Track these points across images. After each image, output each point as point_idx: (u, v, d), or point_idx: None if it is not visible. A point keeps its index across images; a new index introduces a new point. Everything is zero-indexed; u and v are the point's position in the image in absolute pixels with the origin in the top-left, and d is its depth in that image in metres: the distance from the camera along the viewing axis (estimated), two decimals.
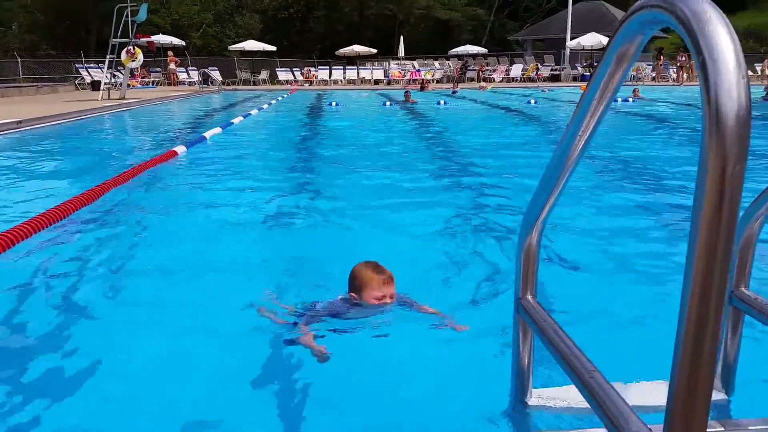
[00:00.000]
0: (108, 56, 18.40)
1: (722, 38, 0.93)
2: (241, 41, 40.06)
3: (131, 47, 18.24)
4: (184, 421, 2.10)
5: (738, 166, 0.92)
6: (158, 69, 33.15)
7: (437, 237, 4.36)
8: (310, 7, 49.70)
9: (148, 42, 20.05)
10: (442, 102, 19.02)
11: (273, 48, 38.45)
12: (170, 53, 32.37)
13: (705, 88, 0.92)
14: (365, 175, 6.82)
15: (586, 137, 1.44)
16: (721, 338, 1.96)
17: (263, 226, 4.74)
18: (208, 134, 9.84)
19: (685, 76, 32.72)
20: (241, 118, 13.30)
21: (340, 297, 2.96)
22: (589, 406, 1.38)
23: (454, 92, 24.80)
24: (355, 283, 2.82)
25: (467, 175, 6.88)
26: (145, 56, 22.40)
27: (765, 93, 19.63)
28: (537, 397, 1.93)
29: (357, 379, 2.39)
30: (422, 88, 27.82)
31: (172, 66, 31.77)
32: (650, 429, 1.20)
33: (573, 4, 37.10)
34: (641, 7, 1.11)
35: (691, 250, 0.97)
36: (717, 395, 1.99)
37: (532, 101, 18.52)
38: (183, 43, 36.23)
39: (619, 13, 45.57)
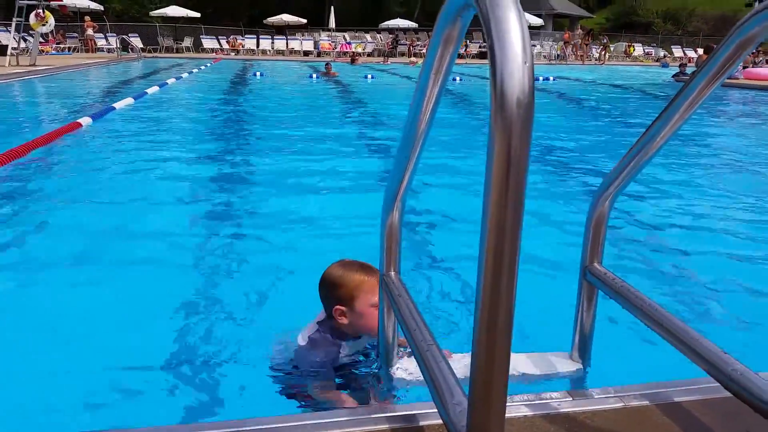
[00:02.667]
0: (15, 19, 17.28)
1: (511, 25, 0.95)
2: (164, 7, 38.47)
3: (41, 10, 17.16)
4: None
5: (522, 147, 0.95)
6: (75, 35, 31.45)
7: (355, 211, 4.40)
8: None
9: (59, 5, 18.96)
10: (369, 76, 18.93)
11: (197, 14, 37.12)
12: (87, 18, 30.78)
13: (492, 72, 0.94)
14: (279, 149, 6.74)
15: (427, 118, 1.47)
16: (576, 312, 2.06)
17: (169, 209, 4.50)
18: (118, 105, 9.43)
19: (606, 55, 33.85)
20: (157, 87, 12.80)
21: (314, 324, 2.20)
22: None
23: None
24: (341, 292, 2.10)
25: (379, 151, 6.92)
26: (58, 21, 21.23)
27: (677, 72, 20.58)
28: (400, 368, 1.98)
29: None
30: (353, 61, 27.60)
31: (89, 32, 30.25)
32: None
33: None
34: None
35: (483, 228, 1.00)
36: (573, 365, 2.09)
37: (458, 79, 18.69)
38: (101, 7, 34.44)
39: None
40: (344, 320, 2.11)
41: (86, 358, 2.39)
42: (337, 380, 2.12)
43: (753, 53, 26.97)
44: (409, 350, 1.81)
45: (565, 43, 34.23)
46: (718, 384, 1.48)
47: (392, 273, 1.87)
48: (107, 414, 2.13)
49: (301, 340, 2.17)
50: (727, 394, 1.45)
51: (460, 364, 2.03)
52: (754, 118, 11.65)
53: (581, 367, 2.09)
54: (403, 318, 1.63)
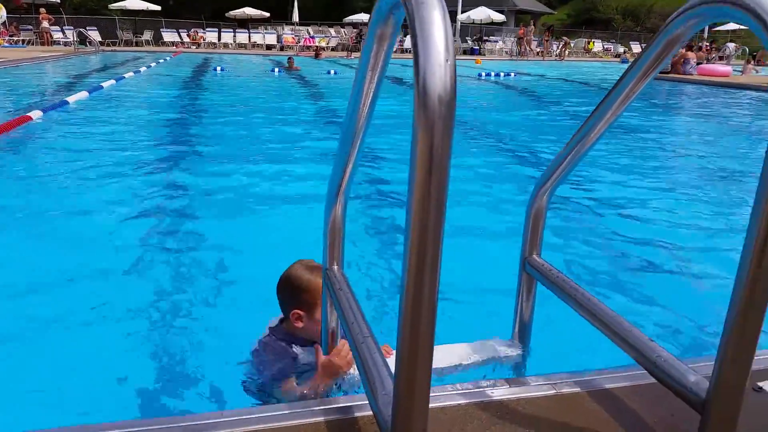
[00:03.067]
0: None
1: (434, 24, 0.98)
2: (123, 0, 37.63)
3: None
4: None
5: (444, 144, 0.98)
6: (29, 27, 30.53)
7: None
8: None
9: None
10: (332, 71, 18.87)
11: (157, 7, 36.42)
12: (42, 10, 29.85)
13: (415, 70, 0.97)
14: (235, 147, 6.67)
15: (366, 113, 1.50)
16: (516, 301, 2.12)
17: (119, 207, 4.38)
18: (72, 98, 9.21)
19: (566, 52, 34.36)
20: (113, 81, 12.55)
21: (267, 329, 2.17)
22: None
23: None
24: (304, 297, 2.04)
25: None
26: (11, 12, 20.59)
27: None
28: None
29: None
30: (316, 56, 27.44)
31: (45, 24, 29.34)
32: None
33: None
34: None
35: (407, 225, 1.03)
36: (513, 352, 2.15)
37: None
38: (57, 0, 33.58)
39: None
40: (299, 324, 2.07)
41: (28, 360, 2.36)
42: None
43: (707, 50, 27.72)
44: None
45: (519, 39, 34.45)
46: (646, 371, 1.55)
47: (335, 267, 1.89)
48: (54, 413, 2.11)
49: (256, 344, 2.14)
50: (654, 380, 1.52)
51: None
52: (705, 113, 11.99)
53: (521, 353, 2.15)
54: (343, 312, 1.65)
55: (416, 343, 1.09)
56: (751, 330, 1.25)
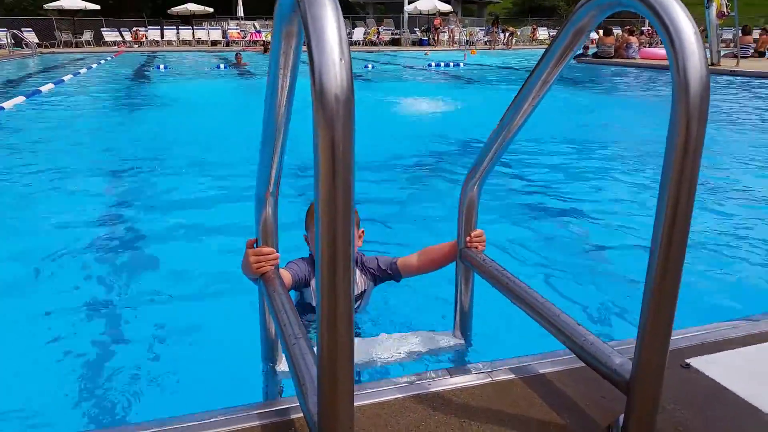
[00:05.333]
0: None
1: (327, 23, 0.97)
2: None
3: None
4: None
5: (346, 142, 0.97)
6: None
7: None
8: None
9: None
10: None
11: (96, 6, 35.33)
12: None
13: (311, 70, 0.96)
14: (183, 154, 6.49)
15: (283, 111, 1.47)
16: (455, 292, 2.13)
17: (57, 217, 4.21)
18: (7, 104, 8.87)
19: (513, 40, 34.77)
20: (52, 85, 12.13)
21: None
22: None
23: None
24: (307, 220, 2.32)
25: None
26: None
27: (579, 54, 21.41)
28: (282, 363, 1.98)
29: None
30: (265, 50, 27.09)
31: None
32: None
33: None
34: None
35: (317, 223, 1.02)
36: (454, 342, 2.17)
37: (369, 66, 18.74)
38: None
39: None
40: (310, 247, 2.32)
41: None
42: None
43: (648, 34, 28.42)
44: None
45: (435, 29, 34.37)
46: (575, 355, 1.57)
47: (270, 269, 1.87)
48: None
49: None
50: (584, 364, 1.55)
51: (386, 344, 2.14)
52: (647, 95, 12.31)
53: (462, 342, 2.17)
54: (276, 313, 1.63)
55: (335, 340, 1.08)
56: (665, 310, 1.28)
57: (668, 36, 1.17)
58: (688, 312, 2.45)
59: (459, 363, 2.10)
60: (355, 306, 2.41)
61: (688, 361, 1.77)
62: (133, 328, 2.70)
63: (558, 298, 2.78)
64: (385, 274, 2.44)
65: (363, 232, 2.43)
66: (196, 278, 3.21)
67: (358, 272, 2.42)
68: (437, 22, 34.22)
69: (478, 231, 2.03)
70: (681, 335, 1.90)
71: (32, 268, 3.31)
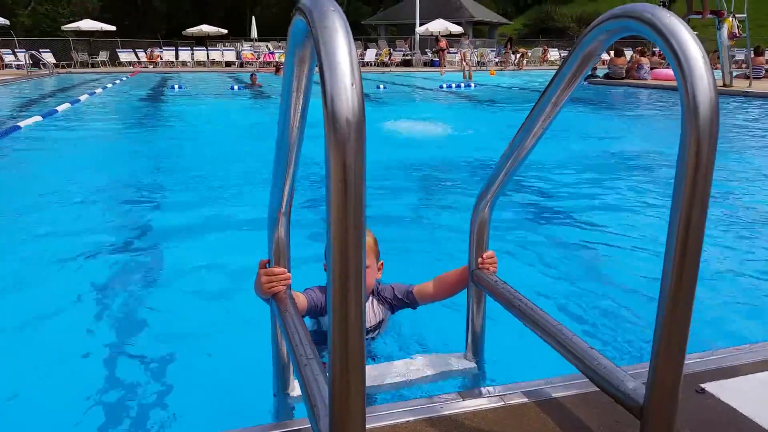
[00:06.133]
0: None
1: (339, 48, 0.98)
2: (77, 20, 37.05)
3: None
4: None
5: (357, 166, 0.98)
6: None
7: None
8: None
9: None
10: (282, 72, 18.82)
11: (112, 27, 35.93)
12: None
13: (323, 94, 0.97)
14: (197, 173, 6.53)
15: (296, 134, 1.49)
16: (467, 313, 2.12)
17: (75, 237, 4.20)
18: (24, 123, 9.00)
19: (524, 61, 34.90)
20: (68, 104, 12.30)
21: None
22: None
23: None
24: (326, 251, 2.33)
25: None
26: None
27: (589, 75, 21.45)
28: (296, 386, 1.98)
29: None
30: (277, 71, 27.35)
31: None
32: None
33: None
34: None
35: (327, 247, 1.03)
36: (467, 365, 2.15)
37: (381, 87, 18.87)
38: (7, 22, 32.86)
39: (466, 1, 47.56)
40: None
41: None
42: None
43: (661, 55, 28.41)
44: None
45: (440, 50, 34.38)
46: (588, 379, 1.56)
47: (282, 289, 1.87)
48: None
49: None
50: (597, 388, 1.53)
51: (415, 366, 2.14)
52: (660, 115, 12.28)
53: (475, 365, 2.15)
54: (288, 334, 1.63)
55: (346, 361, 1.08)
56: (679, 333, 1.27)
57: (677, 60, 1.18)
58: (702, 335, 2.43)
59: (471, 386, 2.08)
60: (373, 335, 2.42)
61: (702, 386, 1.74)
62: (142, 348, 2.70)
63: (570, 321, 2.76)
64: (402, 303, 2.43)
65: (382, 264, 2.42)
66: (208, 297, 3.22)
67: (375, 302, 2.41)
68: (442, 43, 34.37)
69: (489, 252, 2.03)
70: (695, 359, 1.88)
71: (42, 286, 3.34)
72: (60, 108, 11.62)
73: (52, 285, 3.36)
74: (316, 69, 1.04)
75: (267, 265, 1.84)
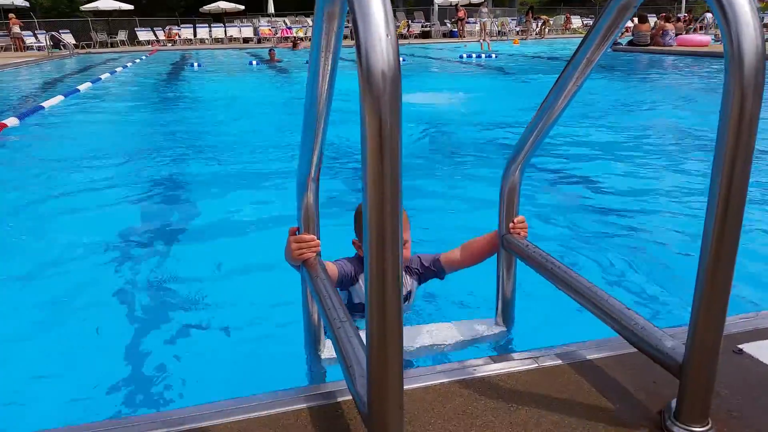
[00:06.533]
0: None
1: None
2: (95, 0, 37.10)
3: None
4: None
5: (393, 120, 0.96)
6: (1, 33, 30.07)
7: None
8: None
9: None
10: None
11: (130, 6, 35.94)
12: (12, 15, 29.40)
13: (357, 48, 0.94)
14: (215, 147, 6.55)
15: (325, 97, 1.47)
16: (497, 279, 2.11)
17: (98, 215, 4.22)
18: (47, 103, 9.08)
19: (546, 29, 34.26)
20: (89, 84, 12.38)
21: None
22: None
23: None
24: (357, 225, 2.22)
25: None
26: None
27: (613, 42, 20.98)
28: (327, 348, 1.99)
29: None
30: (294, 46, 27.20)
31: (16, 29, 28.91)
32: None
33: None
34: None
35: (363, 204, 1.01)
36: (497, 330, 2.15)
37: (401, 59, 18.65)
38: (26, 3, 33.07)
39: None
40: (360, 252, 2.24)
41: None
42: None
43: (685, 20, 27.70)
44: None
45: (459, 20, 33.87)
46: (626, 340, 1.54)
47: (312, 256, 1.87)
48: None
49: None
50: (635, 349, 1.51)
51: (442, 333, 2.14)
52: (685, 82, 12.01)
53: (504, 330, 2.15)
54: (321, 298, 1.63)
55: (383, 323, 1.08)
56: (720, 293, 1.25)
57: (720, 6, 1.13)
58: (741, 295, 2.39)
59: (503, 351, 2.08)
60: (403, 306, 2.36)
61: (740, 346, 1.72)
62: (175, 315, 2.74)
63: (605, 285, 2.73)
64: (430, 272, 2.39)
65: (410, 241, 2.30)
66: (239, 267, 3.25)
67: (404, 275, 2.30)
68: (461, 13, 33.83)
69: (520, 217, 2.01)
70: (734, 320, 1.85)
71: (68, 265, 3.38)
72: (81, 87, 11.70)
73: (78, 265, 3.39)
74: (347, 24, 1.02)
75: (297, 233, 1.83)
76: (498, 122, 7.36)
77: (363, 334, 1.57)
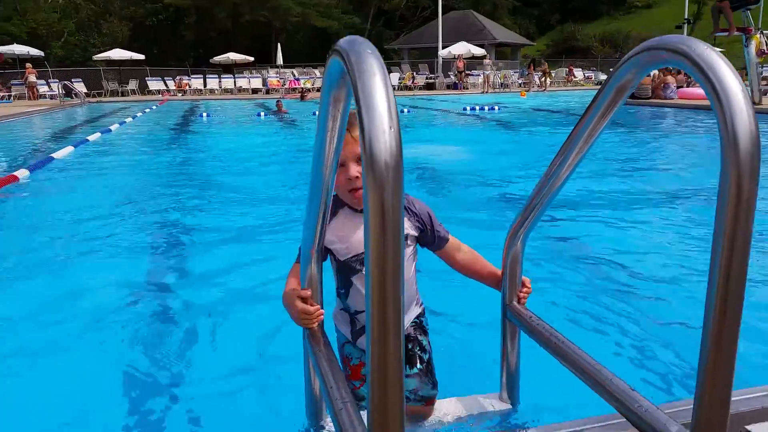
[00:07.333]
0: None
1: (377, 92, 0.99)
2: (107, 50, 38.10)
3: None
4: None
5: (395, 206, 0.97)
6: (17, 82, 30.82)
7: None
8: (180, 14, 48.15)
9: None
10: (317, 112, 19.04)
11: (141, 57, 36.85)
12: (28, 65, 30.17)
13: (361, 137, 0.97)
14: (224, 200, 6.59)
15: (328, 173, 1.49)
16: (501, 351, 2.08)
17: (110, 269, 4.20)
18: (57, 155, 9.21)
19: (548, 81, 34.83)
20: (99, 134, 12.57)
21: None
22: None
23: None
24: None
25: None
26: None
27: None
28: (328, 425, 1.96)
29: None
30: (302, 97, 27.72)
31: (32, 78, 29.64)
32: None
33: (444, 14, 38.46)
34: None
35: (366, 285, 1.02)
36: (502, 405, 2.11)
37: (405, 110, 18.98)
38: (41, 53, 33.97)
39: (488, 23, 47.84)
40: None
41: None
42: None
43: (687, 74, 28.12)
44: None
45: (459, 72, 34.52)
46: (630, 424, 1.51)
47: (315, 326, 1.86)
48: None
49: None
50: (636, 430, 1.48)
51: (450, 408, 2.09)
52: (687, 136, 12.12)
53: (510, 406, 2.11)
54: (322, 375, 1.61)
55: (385, 406, 1.06)
56: (723, 371, 1.23)
57: (715, 93, 1.15)
58: (747, 371, 2.35)
59: (507, 427, 2.04)
60: None
61: (748, 427, 1.68)
62: (171, 369, 2.71)
63: (608, 358, 2.68)
64: (431, 237, 2.00)
65: None
66: (243, 320, 3.25)
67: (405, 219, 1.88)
68: (460, 64, 34.53)
69: (526, 281, 1.99)
70: (740, 396, 1.81)
71: (75, 321, 3.36)
72: (91, 138, 11.88)
73: (84, 319, 3.38)
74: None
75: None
76: (500, 177, 7.40)
77: (364, 415, 1.55)
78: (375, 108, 0.97)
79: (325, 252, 1.94)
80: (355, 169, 1.80)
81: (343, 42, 1.10)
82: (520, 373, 2.07)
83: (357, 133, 1.49)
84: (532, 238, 1.95)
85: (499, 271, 2.02)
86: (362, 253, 1.82)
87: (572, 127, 1.60)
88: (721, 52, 1.19)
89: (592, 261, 4.24)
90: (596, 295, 3.55)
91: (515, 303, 1.99)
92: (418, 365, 2.03)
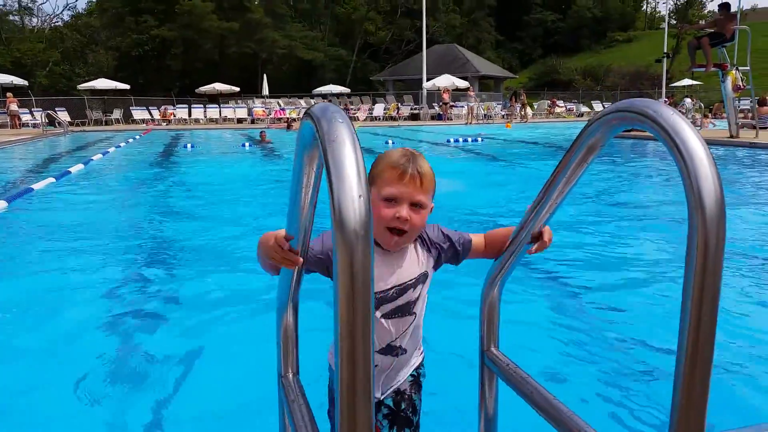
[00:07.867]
0: None
1: (346, 160, 1.01)
2: (92, 79, 38.13)
3: None
4: None
5: (364, 272, 0.98)
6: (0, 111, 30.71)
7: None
8: (166, 45, 48.45)
9: None
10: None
11: (126, 86, 36.90)
12: (9, 94, 30.11)
13: (331, 205, 0.98)
14: (212, 233, 6.59)
15: (306, 224, 1.50)
16: (479, 398, 2.07)
17: (87, 307, 4.15)
18: (37, 186, 9.14)
19: (529, 112, 35.35)
20: (81, 165, 12.49)
21: None
22: None
23: None
24: (371, 172, 1.75)
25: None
26: None
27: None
28: None
29: None
30: (288, 127, 27.88)
31: (13, 107, 29.55)
32: None
33: (428, 47, 39.06)
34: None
35: (336, 341, 1.02)
36: None
37: (390, 142, 19.12)
38: (26, 82, 33.91)
39: (471, 56, 48.69)
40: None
41: None
42: None
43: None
44: None
45: (443, 104, 34.89)
46: None
47: (290, 375, 1.84)
48: None
49: None
50: None
51: None
52: (668, 169, 12.30)
53: None
54: (296, 427, 1.60)
55: None
56: (695, 420, 1.24)
57: (681, 159, 1.18)
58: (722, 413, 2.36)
59: None
60: (411, 297, 1.90)
61: None
62: (153, 397, 2.67)
63: (586, 405, 2.69)
64: (452, 250, 1.93)
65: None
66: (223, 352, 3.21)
67: (417, 246, 1.89)
68: (445, 96, 34.99)
69: (545, 231, 1.76)
70: None
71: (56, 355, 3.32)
72: (73, 169, 11.78)
73: (60, 348, 3.34)
74: None
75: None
76: (485, 210, 7.45)
77: None
78: (345, 177, 0.99)
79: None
80: (406, 211, 1.69)
81: (316, 109, 1.12)
82: (498, 420, 2.06)
83: (421, 181, 1.66)
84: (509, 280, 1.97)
85: (507, 229, 1.91)
86: (379, 291, 1.79)
87: (553, 160, 1.63)
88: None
89: (572, 303, 4.27)
90: (578, 341, 3.56)
91: (493, 349, 1.99)
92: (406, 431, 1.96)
